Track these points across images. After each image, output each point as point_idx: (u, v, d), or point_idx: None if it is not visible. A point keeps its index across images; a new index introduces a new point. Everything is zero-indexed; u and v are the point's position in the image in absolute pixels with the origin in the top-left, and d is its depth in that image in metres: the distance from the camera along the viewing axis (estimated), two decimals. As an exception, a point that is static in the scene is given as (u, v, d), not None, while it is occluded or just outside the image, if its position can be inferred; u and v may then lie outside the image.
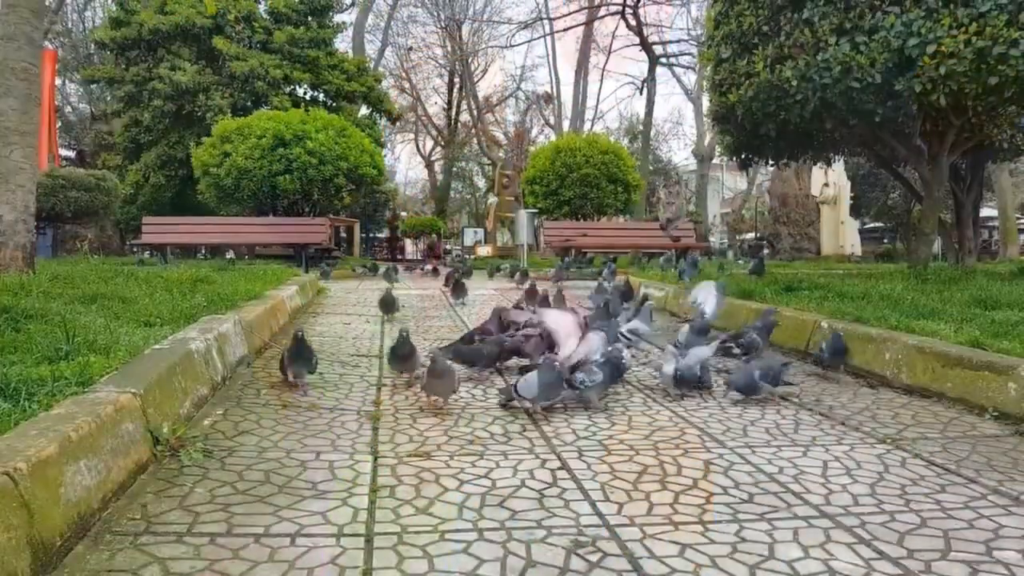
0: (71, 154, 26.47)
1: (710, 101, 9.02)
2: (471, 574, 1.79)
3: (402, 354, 3.71)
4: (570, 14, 33.03)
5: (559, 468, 2.57)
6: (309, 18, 22.39)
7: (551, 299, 5.49)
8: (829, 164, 12.90)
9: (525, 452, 2.72)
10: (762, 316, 4.58)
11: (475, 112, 39.20)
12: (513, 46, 39.57)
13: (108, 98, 26.07)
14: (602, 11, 29.92)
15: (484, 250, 25.32)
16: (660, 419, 3.25)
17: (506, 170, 28.93)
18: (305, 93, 22.72)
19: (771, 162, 10.17)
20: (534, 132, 42.16)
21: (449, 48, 38.48)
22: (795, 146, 9.22)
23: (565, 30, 34.06)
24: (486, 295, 8.49)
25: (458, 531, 2.02)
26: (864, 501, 2.29)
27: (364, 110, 24.51)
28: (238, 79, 20.15)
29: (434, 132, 42.61)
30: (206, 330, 3.66)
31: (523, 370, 3.92)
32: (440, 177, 42.34)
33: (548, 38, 36.98)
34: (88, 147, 26.69)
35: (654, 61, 27.80)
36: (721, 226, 42.39)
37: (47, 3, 20.65)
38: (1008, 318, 4.46)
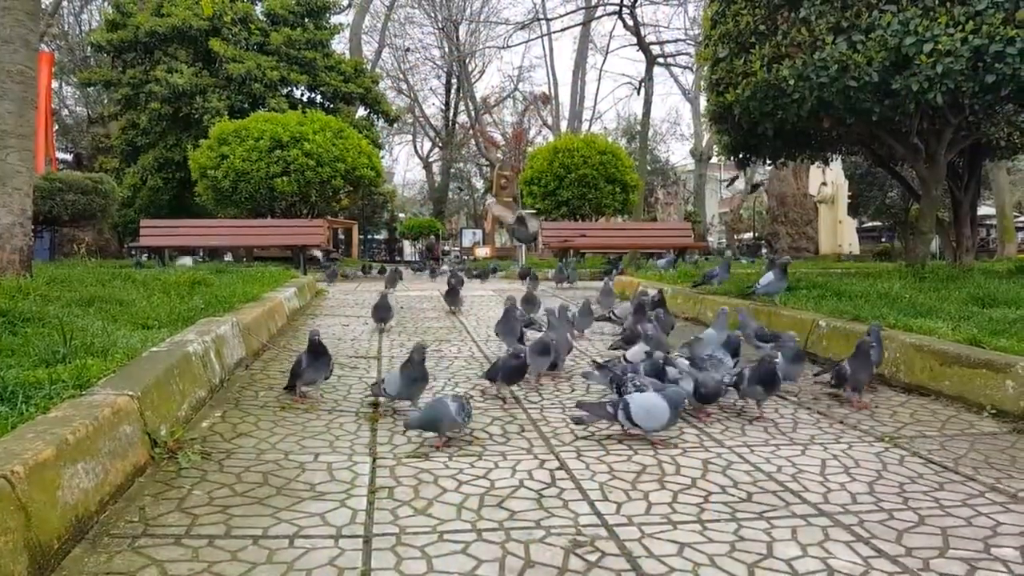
0: (68, 157, 26.38)
1: (707, 101, 9.02)
2: (470, 574, 1.79)
3: (413, 377, 3.23)
4: (567, 14, 33.10)
5: (558, 468, 2.57)
6: (306, 20, 22.39)
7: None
8: (827, 163, 12.90)
9: (523, 452, 2.72)
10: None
11: (473, 113, 39.23)
12: (510, 47, 39.78)
13: (105, 101, 26.08)
14: (599, 11, 29.93)
15: (483, 251, 25.33)
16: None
17: (504, 171, 28.94)
18: (302, 95, 22.72)
19: (768, 161, 10.17)
20: (532, 133, 42.20)
21: (446, 49, 38.52)
22: (793, 145, 9.22)
23: (562, 30, 34.16)
24: (484, 296, 8.48)
25: (457, 532, 2.02)
26: (862, 499, 2.29)
27: (361, 111, 24.51)
28: (235, 81, 20.15)
29: (432, 133, 42.63)
30: (204, 332, 3.66)
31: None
32: (438, 178, 42.34)
33: (545, 39, 37.10)
34: (85, 150, 26.65)
35: (651, 61, 27.80)
36: (719, 226, 42.41)
37: (43, 6, 20.63)
38: (1006, 316, 4.47)
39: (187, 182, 18.18)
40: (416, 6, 37.99)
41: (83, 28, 31.22)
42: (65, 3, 29.32)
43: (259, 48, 21.22)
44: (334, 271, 11.03)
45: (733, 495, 2.33)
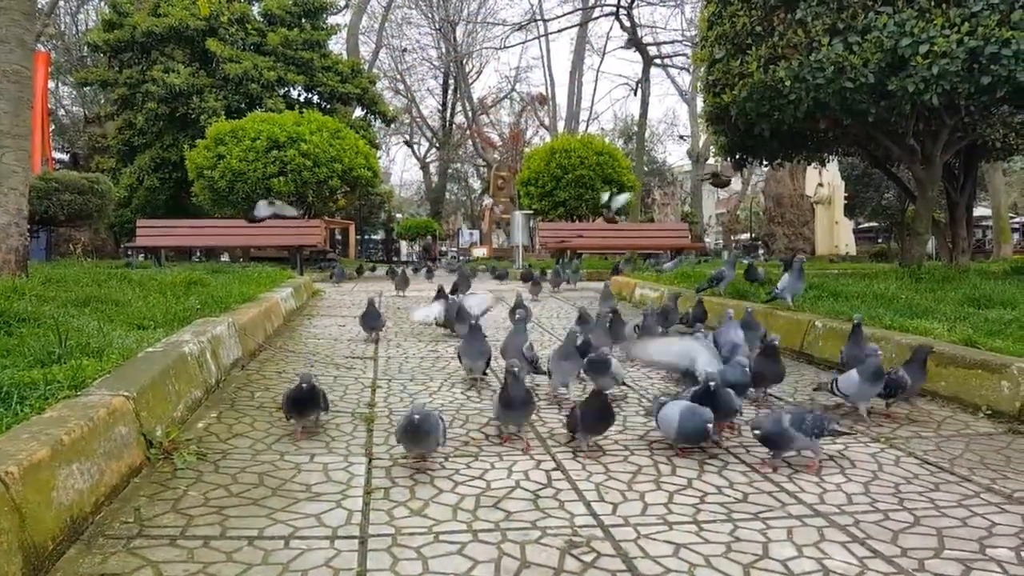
0: (64, 157, 26.34)
1: (704, 102, 9.03)
2: (465, 575, 1.79)
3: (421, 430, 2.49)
4: (564, 15, 33.14)
5: (554, 469, 2.57)
6: (303, 20, 22.37)
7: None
8: (823, 164, 12.91)
9: (520, 453, 2.71)
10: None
11: (470, 114, 39.22)
12: (507, 47, 39.71)
13: (101, 101, 26.02)
14: (596, 12, 29.96)
15: (480, 251, 25.33)
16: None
17: (501, 171, 28.95)
18: (299, 95, 22.70)
19: (765, 162, 10.18)
20: (529, 133, 42.21)
21: (443, 50, 38.51)
22: (789, 146, 9.23)
23: (559, 31, 34.15)
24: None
25: (453, 532, 2.02)
26: (858, 500, 2.30)
27: (358, 112, 24.49)
28: (232, 81, 20.13)
29: (429, 134, 42.61)
30: (200, 333, 3.65)
31: None
32: (435, 179, 42.33)
33: (542, 39, 37.11)
34: (82, 150, 26.60)
35: (648, 62, 27.85)
36: (716, 227, 42.46)
37: (39, 5, 20.59)
38: (1001, 317, 4.48)
39: (184, 182, 18.15)
40: (413, 7, 37.99)
41: (80, 28, 31.16)
42: (61, 3, 29.29)
43: (256, 48, 21.20)
44: (341, 271, 10.86)
45: (729, 496, 2.33)
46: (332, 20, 24.68)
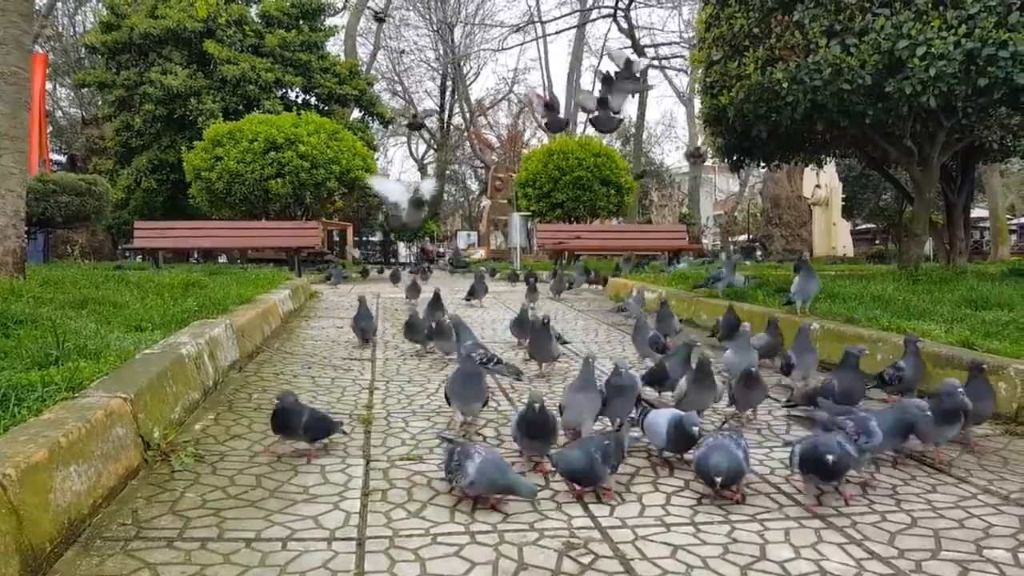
0: (62, 159, 26.32)
1: (701, 103, 9.05)
2: (463, 577, 1.79)
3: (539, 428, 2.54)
4: (562, 17, 33.14)
5: (551, 469, 2.57)
6: (300, 21, 22.37)
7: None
8: (821, 166, 12.94)
9: (518, 455, 2.71)
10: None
11: (468, 115, 39.22)
12: (505, 49, 39.73)
13: (99, 102, 25.98)
14: (594, 14, 29.99)
15: (478, 253, 25.33)
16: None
17: (499, 173, 28.95)
18: (297, 96, 22.70)
19: (763, 164, 10.19)
20: (527, 135, 42.21)
21: (441, 51, 38.52)
22: (786, 148, 9.25)
23: (557, 33, 34.15)
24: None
25: (450, 534, 2.02)
26: (855, 501, 2.30)
27: (356, 113, 24.49)
28: (229, 83, 20.12)
29: (427, 135, 42.61)
30: (197, 335, 3.65)
31: None
32: (432, 179, 42.30)
33: (540, 41, 37.14)
34: (79, 151, 26.56)
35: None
36: (714, 228, 42.49)
37: (37, 7, 20.57)
38: (998, 318, 4.48)
39: (181, 184, 18.14)
40: (411, 8, 38.01)
41: (77, 29, 31.14)
42: (59, 4, 29.28)
43: (254, 50, 21.19)
44: (340, 271, 10.50)
45: (726, 497, 2.33)
46: (330, 22, 24.69)
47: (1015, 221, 30.20)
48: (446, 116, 39.48)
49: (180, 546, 1.91)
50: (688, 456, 2.55)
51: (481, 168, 41.61)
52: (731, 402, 3.23)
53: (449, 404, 3.04)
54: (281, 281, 8.16)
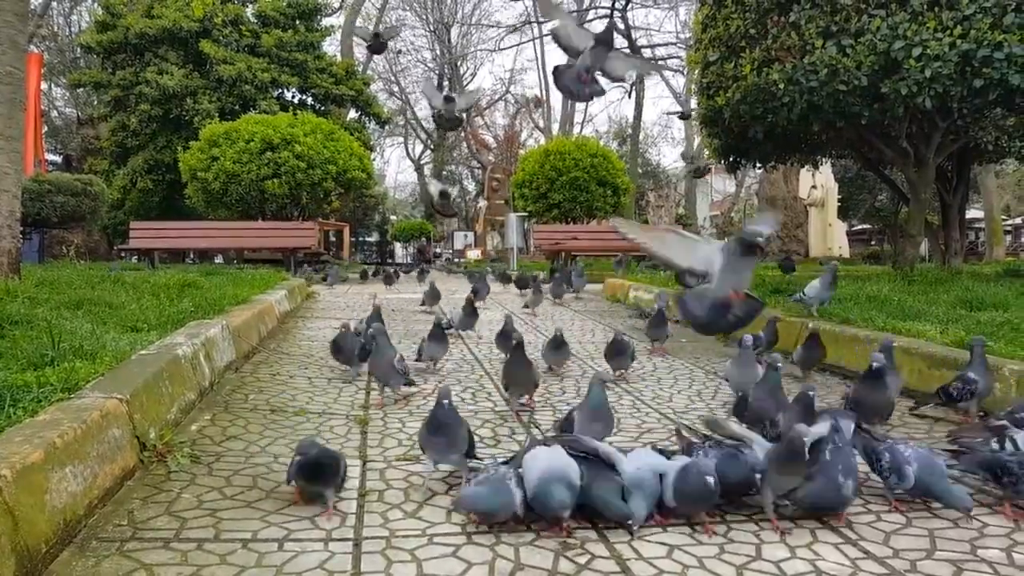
0: (58, 159, 26.26)
1: (698, 104, 9.05)
2: (459, 577, 1.79)
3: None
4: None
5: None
6: (297, 21, 22.33)
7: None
8: (817, 167, 12.94)
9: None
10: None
11: (464, 115, 39.20)
12: (502, 49, 39.73)
13: (95, 102, 25.91)
14: (590, 14, 29.99)
15: (474, 253, 25.33)
16: (649, 420, 3.26)
17: (496, 173, 28.95)
18: (293, 97, 22.66)
19: (759, 165, 10.21)
20: (524, 136, 42.21)
21: (438, 51, 38.51)
22: (782, 149, 9.26)
23: (554, 33, 34.00)
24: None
25: (447, 535, 2.02)
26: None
27: (353, 113, 24.45)
28: (226, 83, 20.08)
29: (423, 135, 42.59)
30: (193, 335, 3.64)
31: None
32: (429, 180, 42.29)
33: (537, 41, 37.11)
34: (75, 152, 26.50)
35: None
36: (710, 228, 42.52)
37: (32, 6, 20.52)
38: (993, 319, 4.50)
39: (177, 184, 18.11)
40: (408, 8, 38.00)
41: (73, 29, 31.05)
42: (55, 4, 29.19)
43: (250, 50, 21.15)
44: (336, 272, 10.03)
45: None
46: (326, 22, 24.63)
47: (1010, 222, 30.29)
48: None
49: (176, 547, 1.91)
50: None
51: (478, 168, 41.60)
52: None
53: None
54: (277, 282, 8.15)
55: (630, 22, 27.02)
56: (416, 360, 4.30)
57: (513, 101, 42.48)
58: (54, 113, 31.26)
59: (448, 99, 5.02)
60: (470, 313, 5.36)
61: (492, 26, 40.07)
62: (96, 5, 25.67)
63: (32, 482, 1.79)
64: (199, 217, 17.40)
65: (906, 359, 3.79)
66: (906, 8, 6.29)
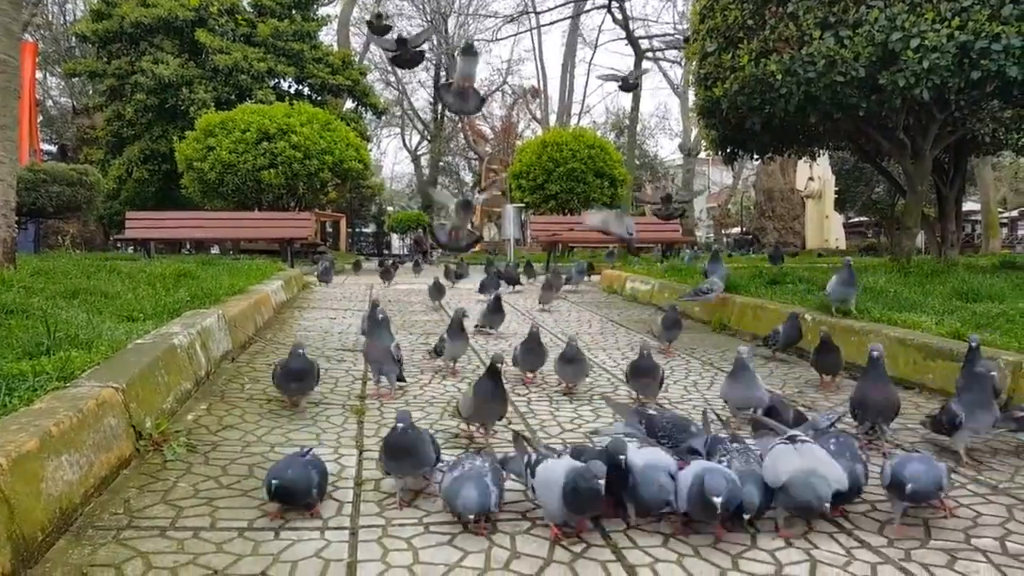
0: (53, 148, 26.13)
1: (695, 95, 9.03)
2: (456, 566, 1.79)
3: None
4: (556, 7, 32.94)
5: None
6: (293, 11, 22.23)
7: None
8: (814, 158, 12.94)
9: (510, 445, 2.72)
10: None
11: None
12: (499, 40, 39.40)
13: (90, 92, 25.79)
14: (588, 5, 29.91)
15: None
16: (645, 411, 3.26)
17: (493, 164, 28.91)
18: (290, 87, 22.56)
19: (756, 156, 10.20)
20: (521, 126, 42.12)
21: (435, 42, 38.35)
22: (780, 140, 9.25)
23: (551, 24, 34.04)
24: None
25: (443, 523, 2.02)
26: (846, 491, 2.31)
27: (349, 104, 24.38)
28: (222, 72, 19.99)
29: (420, 126, 42.49)
30: (189, 325, 3.64)
31: None
32: (427, 171, 42.24)
33: (534, 32, 37.02)
34: (70, 141, 26.41)
35: (640, 55, 27.83)
36: (707, 220, 42.54)
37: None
38: (989, 310, 4.51)
39: (173, 174, 18.04)
40: (405, -2, 37.81)
41: (68, 18, 30.86)
42: (49, -8, 29.01)
43: (246, 39, 21.05)
44: (330, 266, 9.31)
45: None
46: (323, 11, 24.54)
47: (1007, 214, 30.33)
48: (440, 107, 39.35)
49: (173, 535, 1.91)
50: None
51: (475, 160, 41.54)
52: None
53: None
54: (274, 272, 8.14)
55: (628, 12, 26.90)
56: (434, 356, 4.12)
57: (510, 92, 42.39)
58: (49, 102, 31.09)
59: (400, 41, 4.96)
60: (495, 310, 5.10)
61: (489, 16, 39.97)
62: (91, -6, 25.50)
63: (28, 470, 1.78)
64: (195, 207, 17.35)
65: (901, 350, 3.81)
66: (904, -1, 6.28)
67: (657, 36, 31.01)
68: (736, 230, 35.10)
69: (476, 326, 5.23)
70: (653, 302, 7.31)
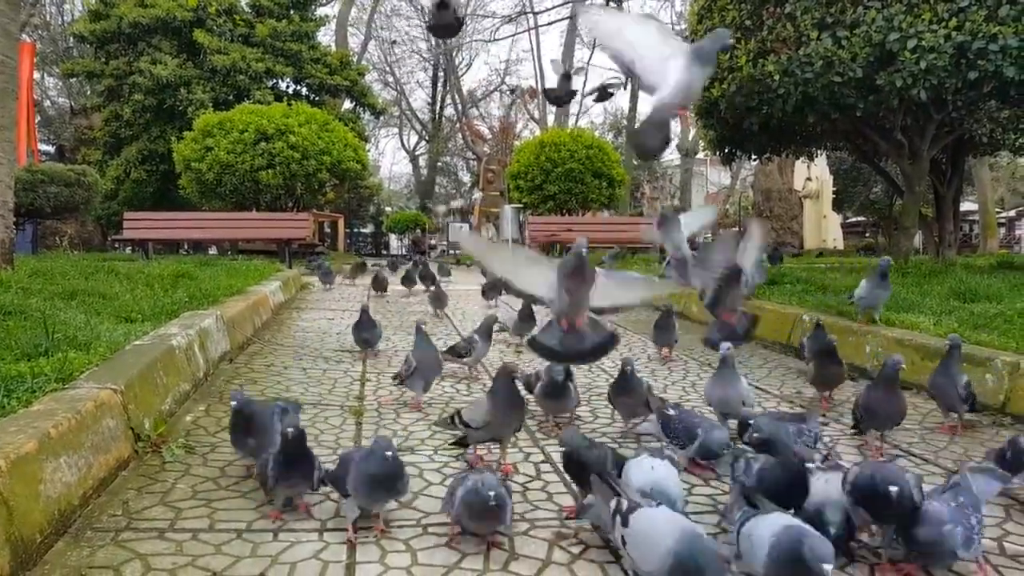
0: (50, 149, 26.13)
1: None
2: (455, 567, 1.79)
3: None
4: (554, 8, 32.98)
5: (543, 461, 2.58)
6: (291, 11, 22.20)
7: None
8: (812, 159, 12.95)
9: (509, 446, 2.72)
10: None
11: (459, 106, 39.11)
12: (497, 40, 39.47)
13: (88, 92, 25.77)
14: (587, 3, 29.90)
15: (469, 245, 25.26)
16: (643, 412, 3.26)
17: (491, 165, 28.89)
18: (288, 87, 22.54)
19: (754, 156, 10.20)
20: (519, 127, 42.09)
21: (433, 42, 38.35)
22: (778, 140, 9.25)
23: (549, 24, 33.98)
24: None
25: (441, 525, 2.02)
26: (844, 492, 2.31)
27: (347, 104, 24.36)
28: (220, 73, 19.97)
29: (418, 126, 42.47)
30: (188, 326, 3.64)
31: None
32: (425, 172, 42.22)
33: (532, 32, 37.02)
34: (68, 142, 26.37)
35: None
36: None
37: (25, -4, 20.36)
38: (986, 311, 4.52)
39: (171, 174, 18.02)
40: (402, -2, 37.79)
41: (65, 18, 30.82)
42: (46, -8, 28.98)
43: (244, 40, 21.03)
44: (327, 268, 8.90)
45: (716, 487, 2.35)
46: (321, 11, 24.52)
47: (1004, 214, 30.35)
48: (438, 107, 39.36)
49: (171, 537, 1.91)
50: None
51: (473, 160, 41.50)
52: None
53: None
54: (272, 273, 8.14)
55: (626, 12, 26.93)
56: (453, 357, 3.93)
57: (508, 92, 42.36)
58: (47, 103, 31.05)
59: (442, 4, 4.52)
60: (526, 317, 4.73)
61: (487, 16, 39.94)
62: (88, -6, 25.47)
63: (26, 472, 1.78)
64: (193, 208, 17.33)
65: (899, 350, 3.81)
66: (901, 0, 6.29)
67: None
68: (734, 230, 35.11)
69: (499, 328, 4.71)
70: (652, 302, 7.31)
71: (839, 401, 3.47)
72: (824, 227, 22.00)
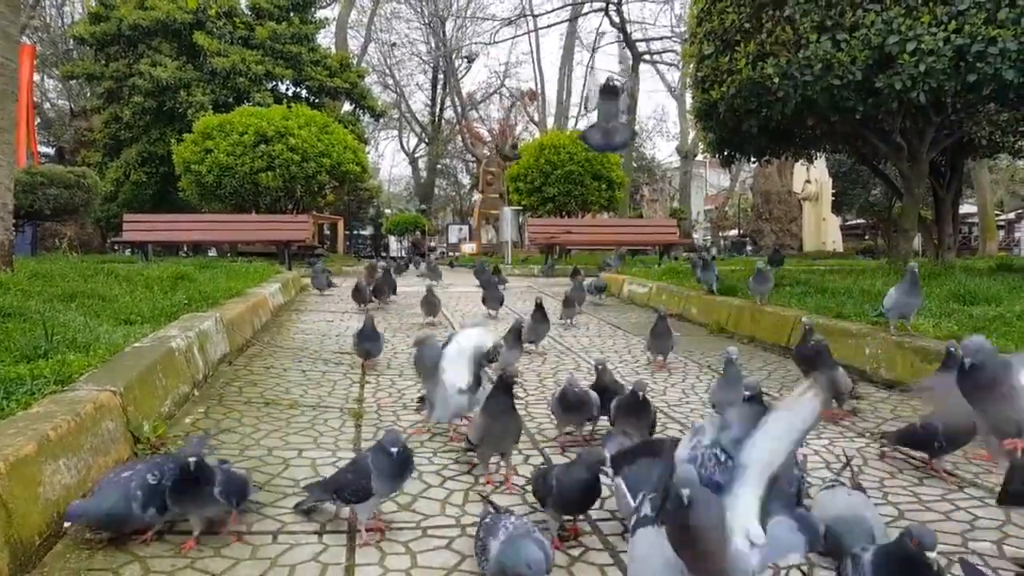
0: (50, 151, 26.15)
1: (693, 98, 9.04)
2: (454, 569, 1.79)
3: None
4: (554, 11, 33.02)
5: (542, 464, 2.58)
6: (291, 13, 22.23)
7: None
8: (811, 161, 12.97)
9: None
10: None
11: (459, 109, 39.14)
12: (497, 43, 39.65)
13: (88, 94, 25.79)
14: (586, 7, 29.95)
15: (469, 247, 25.29)
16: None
17: (491, 167, 28.91)
18: (287, 89, 22.57)
19: (753, 159, 10.21)
20: (518, 129, 42.09)
21: (433, 44, 38.37)
22: (777, 143, 9.26)
23: (549, 27, 34.04)
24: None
25: (441, 527, 2.02)
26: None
27: (347, 106, 24.37)
28: (219, 75, 19.99)
29: (418, 129, 42.50)
30: (187, 328, 3.63)
31: None
32: (424, 174, 42.25)
33: (532, 35, 37.03)
34: (68, 144, 26.39)
35: (637, 58, 27.89)
36: (704, 223, 42.58)
37: (25, -2, 20.37)
38: (986, 313, 4.51)
39: (171, 177, 18.02)
40: (402, 1, 37.84)
41: (65, 21, 30.87)
42: (47, -5, 29.01)
43: (244, 42, 21.05)
44: (324, 272, 8.42)
45: (716, 490, 2.34)
46: (320, 14, 24.55)
47: (1003, 217, 30.38)
48: (437, 110, 39.38)
49: (170, 539, 1.91)
50: None
51: (472, 162, 41.52)
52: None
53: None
54: (271, 275, 8.13)
55: (625, 16, 26.93)
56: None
57: (508, 94, 42.39)
58: (47, 105, 31.07)
59: (610, 90, 4.08)
60: (540, 320, 4.65)
61: (487, 19, 39.97)
62: (89, -4, 25.50)
63: (25, 474, 1.78)
64: (193, 210, 17.33)
65: (899, 353, 3.81)
66: (901, 3, 6.29)
67: (654, 39, 31.08)
68: (733, 232, 35.13)
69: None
70: (651, 304, 7.30)
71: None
72: (823, 229, 22.03)
